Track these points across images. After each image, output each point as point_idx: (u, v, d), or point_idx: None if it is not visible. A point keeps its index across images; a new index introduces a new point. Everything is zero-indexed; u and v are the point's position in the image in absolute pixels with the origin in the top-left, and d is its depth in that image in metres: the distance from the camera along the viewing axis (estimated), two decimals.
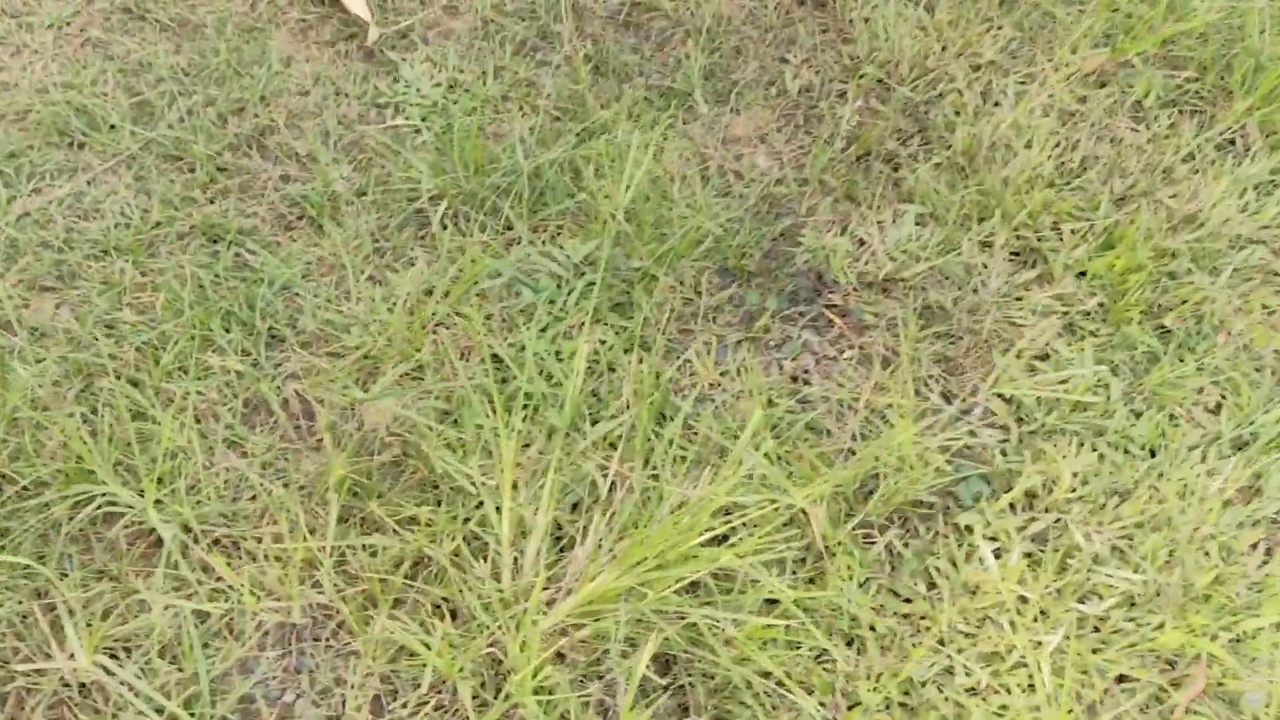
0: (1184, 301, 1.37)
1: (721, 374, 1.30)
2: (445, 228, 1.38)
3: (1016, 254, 1.41)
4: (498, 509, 1.12)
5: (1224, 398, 1.31)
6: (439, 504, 1.16)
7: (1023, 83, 1.59)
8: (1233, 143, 1.59)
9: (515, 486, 1.14)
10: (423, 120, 1.50)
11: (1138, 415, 1.29)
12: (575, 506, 1.16)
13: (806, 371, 1.32)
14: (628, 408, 1.22)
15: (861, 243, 1.40)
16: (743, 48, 1.62)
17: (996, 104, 1.57)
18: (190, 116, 1.47)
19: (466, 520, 1.14)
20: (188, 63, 1.54)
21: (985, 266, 1.39)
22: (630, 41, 1.62)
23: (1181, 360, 1.33)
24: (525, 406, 1.21)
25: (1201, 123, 1.60)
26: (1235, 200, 1.47)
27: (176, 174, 1.42)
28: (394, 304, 1.30)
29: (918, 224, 1.43)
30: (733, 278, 1.37)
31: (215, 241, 1.36)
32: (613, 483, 1.17)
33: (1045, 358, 1.33)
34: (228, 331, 1.27)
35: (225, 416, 1.21)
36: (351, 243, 1.36)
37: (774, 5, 1.68)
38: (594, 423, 1.22)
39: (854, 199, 1.45)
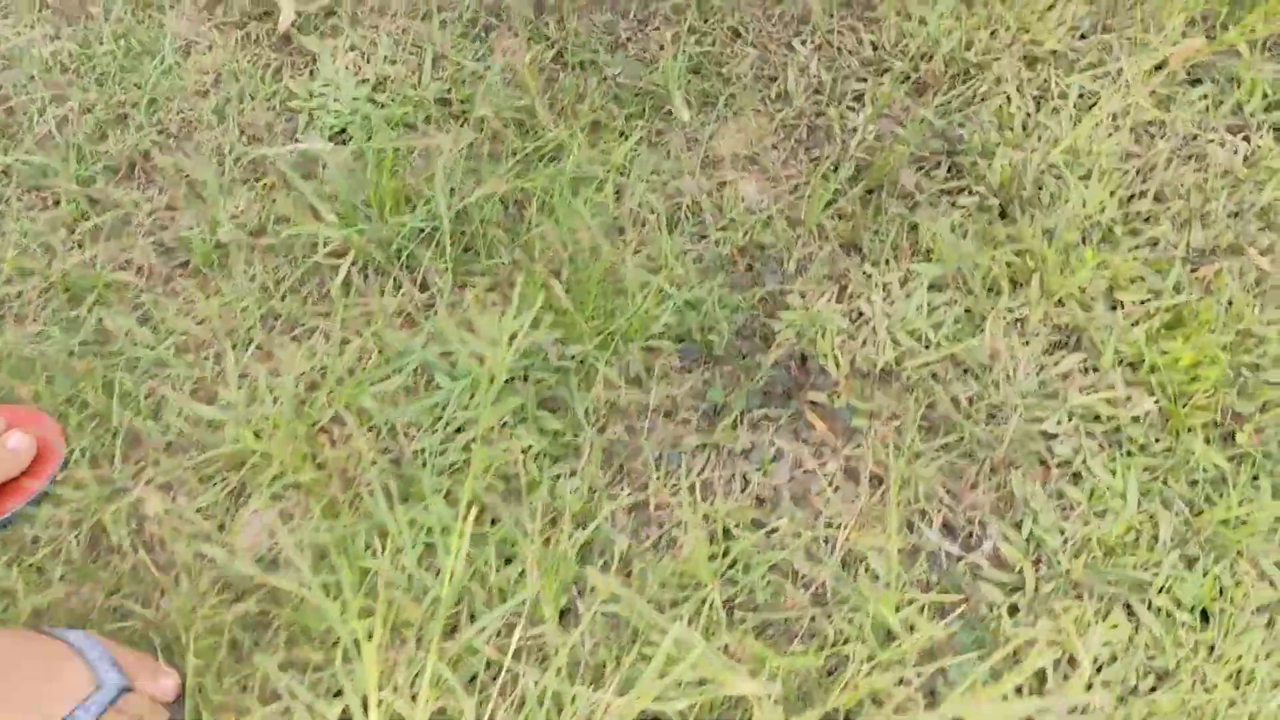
0: (1266, 409, 1.08)
1: (673, 491, 1.06)
2: (349, 288, 1.14)
3: (1055, 334, 1.12)
4: (364, 705, 0.91)
5: None
6: (306, 670, 0.96)
7: (1090, 84, 1.26)
8: None
9: (385, 674, 0.94)
10: (341, 132, 1.24)
11: (1190, 564, 1.03)
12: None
13: (777, 490, 1.07)
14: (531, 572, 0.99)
15: (859, 315, 1.13)
16: (743, 28, 1.31)
17: (1055, 111, 1.25)
18: (61, 130, 1.23)
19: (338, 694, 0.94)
20: (67, 55, 1.28)
21: (1014, 354, 1.11)
22: (603, 20, 1.32)
23: (1256, 490, 1.05)
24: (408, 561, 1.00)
25: None
26: None
27: (38, 211, 1.19)
28: (278, 395, 1.08)
29: (934, 288, 1.14)
30: (696, 356, 1.12)
31: (77, 302, 1.13)
32: (505, 681, 0.95)
33: (1078, 478, 1.06)
34: (80, 430, 1.06)
35: (68, 549, 1.01)
36: (238, 305, 1.13)
37: None
38: (493, 592, 1.00)
39: (858, 250, 1.17)
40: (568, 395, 1.08)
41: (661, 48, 1.29)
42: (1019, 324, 1.12)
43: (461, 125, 1.24)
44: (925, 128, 1.22)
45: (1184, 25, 1.31)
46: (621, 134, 1.23)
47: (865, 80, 1.27)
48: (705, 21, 1.31)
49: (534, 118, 1.22)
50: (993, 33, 1.28)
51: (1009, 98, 1.24)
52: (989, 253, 1.13)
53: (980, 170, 1.18)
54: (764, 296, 1.14)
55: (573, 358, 1.08)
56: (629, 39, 1.30)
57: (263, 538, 1.04)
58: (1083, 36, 1.31)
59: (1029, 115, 1.23)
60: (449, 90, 1.25)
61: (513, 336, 1.10)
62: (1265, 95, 1.27)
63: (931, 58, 1.26)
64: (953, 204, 1.18)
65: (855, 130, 1.21)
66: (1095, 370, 1.10)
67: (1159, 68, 1.28)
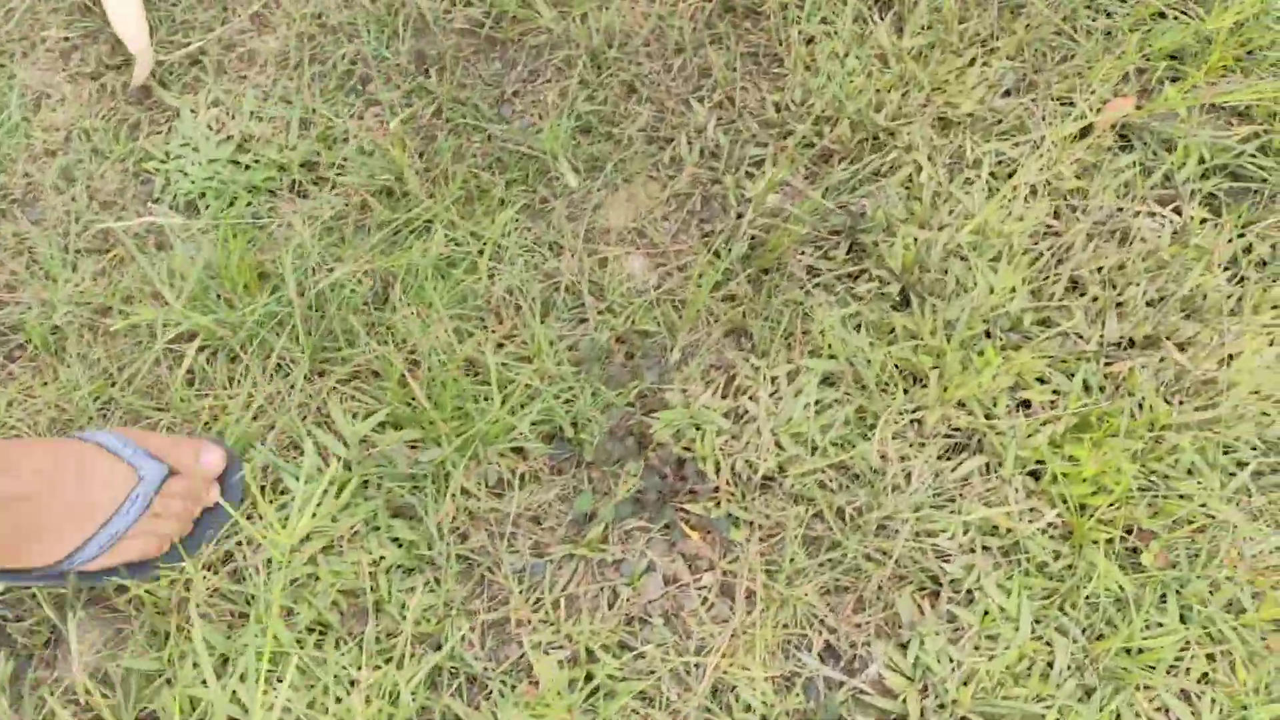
0: (1176, 524, 1.00)
1: (535, 605, 0.98)
2: (192, 379, 1.06)
3: (953, 437, 1.04)
4: None
5: (1208, 676, 0.96)
6: None
7: (1009, 150, 1.17)
8: None
9: None
10: (200, 198, 1.15)
11: (1087, 696, 0.96)
12: None
13: (648, 606, 0.99)
14: None
15: (744, 414, 1.04)
16: (639, 83, 1.21)
17: (968, 182, 1.16)
18: None
19: None
20: None
21: (908, 459, 1.02)
22: (489, 71, 1.23)
23: (1163, 614, 0.98)
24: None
25: (1255, 208, 1.17)
26: (1277, 351, 1.07)
27: None
28: None
29: (826, 382, 1.06)
30: (568, 453, 1.03)
31: None
32: None
33: (971, 599, 0.99)
34: None
35: None
36: (74, 394, 1.04)
37: (690, 14, 1.25)
38: None
39: (747, 340, 1.08)
40: (421, 504, 1.00)
41: (551, 104, 1.20)
42: (915, 425, 1.04)
43: (330, 192, 1.15)
44: (827, 201, 1.14)
45: (1117, 81, 1.22)
46: (501, 202, 1.15)
47: (766, 145, 1.17)
48: (599, 74, 1.21)
49: (405, 184, 1.13)
50: (905, 93, 1.18)
51: (919, 167, 1.15)
52: (884, 348, 1.04)
53: (882, 251, 1.09)
54: (642, 392, 1.05)
55: (430, 461, 1.00)
56: (515, 93, 1.21)
57: (91, 657, 0.96)
58: (1007, 93, 1.22)
59: (940, 186, 1.14)
60: (318, 153, 1.16)
61: (365, 438, 1.02)
62: (1201, 161, 1.19)
63: (837, 121, 1.17)
64: (850, 290, 1.09)
65: (751, 202, 1.12)
66: (995, 477, 1.02)
67: (1085, 132, 1.18)
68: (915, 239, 1.10)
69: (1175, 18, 1.25)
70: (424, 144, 1.18)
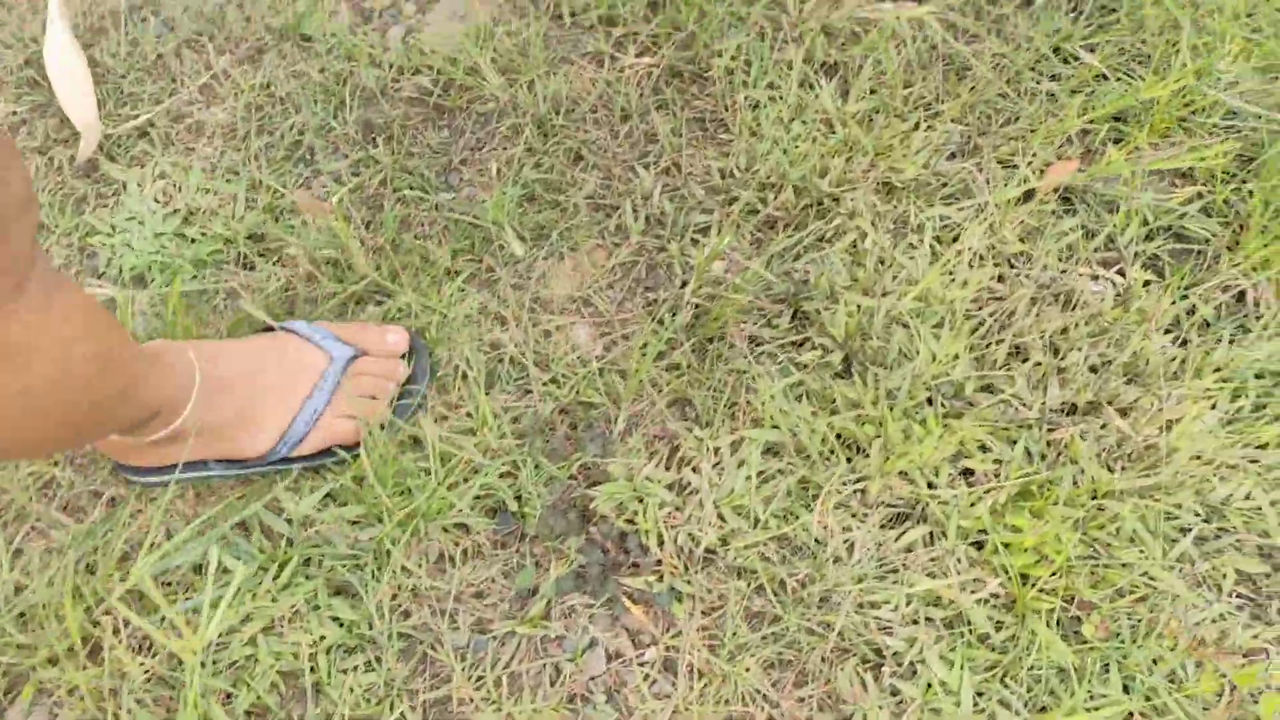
0: (1118, 593, 1.00)
1: (477, 683, 0.98)
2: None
3: (896, 507, 1.04)
4: None
5: None
6: None
7: (953, 215, 1.18)
8: (1240, 299, 1.17)
9: None
10: (146, 272, 1.15)
11: None
12: None
13: (592, 682, 0.99)
14: None
15: (686, 486, 1.04)
16: (585, 149, 1.22)
17: (912, 247, 1.16)
18: None
19: None
20: None
21: (850, 530, 1.02)
22: (437, 139, 1.23)
23: (1105, 685, 0.98)
24: None
25: (1198, 270, 1.18)
26: (1218, 416, 1.07)
27: None
28: (53, 579, 0.99)
29: (770, 453, 1.06)
30: (511, 527, 1.03)
31: None
32: None
33: (913, 671, 0.98)
34: None
35: None
36: (12, 474, 1.04)
37: (637, 80, 1.26)
38: None
39: (691, 409, 1.09)
40: (362, 582, 0.99)
41: (497, 172, 1.20)
42: (858, 494, 1.04)
43: (276, 264, 1.15)
44: (771, 268, 1.14)
45: (1060, 144, 1.23)
46: (448, 272, 1.15)
47: (711, 211, 1.18)
48: (545, 142, 1.22)
49: (350, 256, 1.13)
50: (849, 159, 1.19)
51: (863, 233, 1.16)
52: (826, 418, 1.04)
53: (825, 319, 1.09)
54: (585, 464, 1.05)
55: (370, 539, 1.00)
56: (463, 162, 1.22)
57: None
58: (952, 156, 1.22)
59: (884, 252, 1.14)
60: (264, 224, 1.16)
61: (307, 520, 1.01)
62: (1145, 223, 1.19)
63: (782, 188, 1.17)
64: (792, 359, 1.09)
65: (696, 270, 1.13)
66: (938, 547, 1.02)
67: (1029, 195, 1.19)
68: (858, 306, 1.10)
69: (1118, 80, 1.26)
70: (371, 213, 1.18)
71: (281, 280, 1.13)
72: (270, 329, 1.06)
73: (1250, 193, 1.19)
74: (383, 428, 1.01)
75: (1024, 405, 1.07)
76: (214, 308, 1.12)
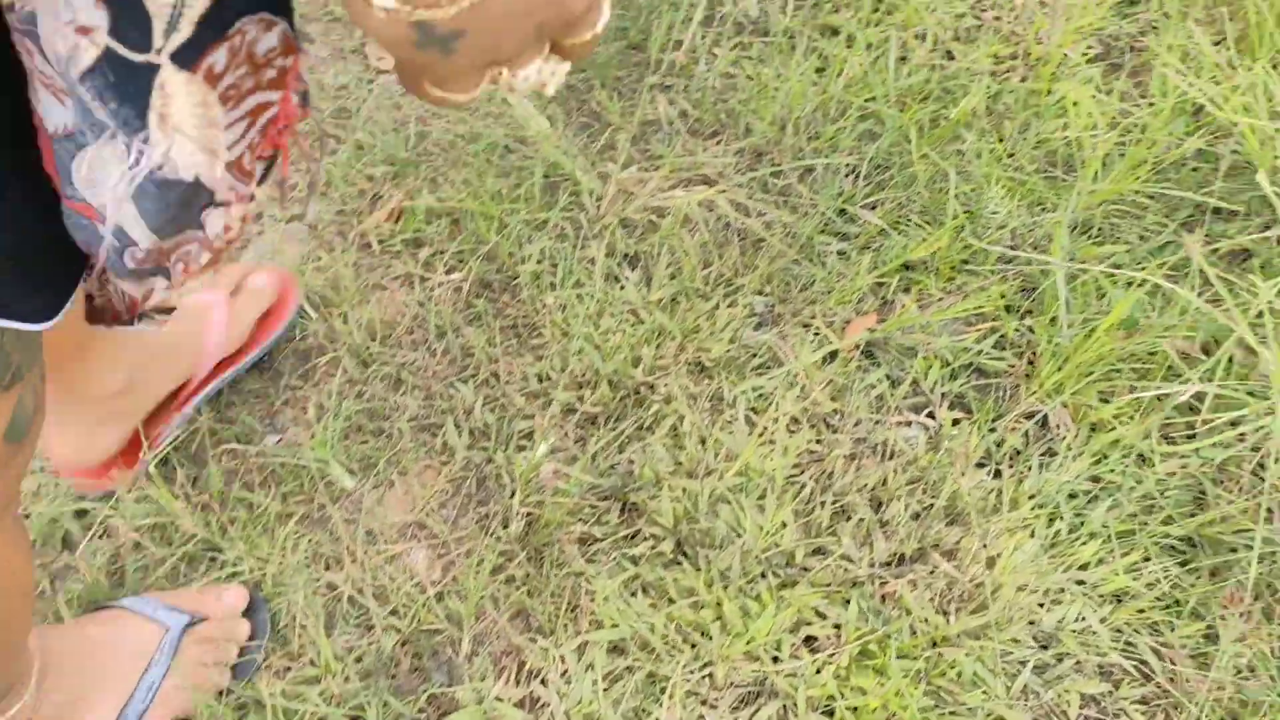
0: None
1: None
2: None
3: (745, 686, 1.05)
4: None
5: None
6: None
7: (765, 385, 1.22)
8: (1044, 425, 1.23)
9: None
10: None
11: None
12: None
13: None
14: None
15: (538, 701, 1.04)
16: (404, 372, 1.24)
17: (729, 423, 1.20)
18: None
19: None
20: None
21: (702, 718, 1.03)
22: (256, 384, 1.24)
23: None
24: None
25: (1000, 402, 1.24)
26: (1038, 543, 1.11)
27: None
28: None
29: (616, 651, 1.07)
30: None
31: None
32: None
33: None
34: None
35: None
36: None
37: (447, 298, 1.30)
38: None
39: (532, 621, 1.09)
40: None
41: (320, 407, 1.22)
42: (707, 679, 1.05)
43: (102, 538, 1.14)
44: (596, 465, 1.17)
45: (857, 300, 1.29)
46: (279, 518, 1.15)
47: (532, 417, 1.21)
48: (365, 370, 1.24)
49: (177, 519, 1.12)
50: (659, 345, 1.24)
51: (681, 416, 1.19)
52: (665, 610, 1.06)
53: (653, 508, 1.12)
54: (433, 695, 1.05)
55: None
56: (285, 403, 1.23)
57: None
58: (759, 326, 1.28)
59: (703, 432, 1.18)
60: (83, 499, 1.15)
61: None
62: (945, 364, 1.25)
63: (597, 383, 1.21)
64: (625, 554, 1.11)
65: (520, 479, 1.15)
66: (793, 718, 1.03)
67: (834, 355, 1.25)
68: (684, 490, 1.13)
69: (900, 233, 1.33)
70: (195, 469, 1.18)
71: (107, 553, 1.12)
72: (102, 608, 1.05)
73: (1034, 326, 1.26)
74: (221, 695, 1.00)
75: (853, 564, 1.10)
76: (40, 593, 1.10)
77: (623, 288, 1.29)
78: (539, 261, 1.32)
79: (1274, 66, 1.37)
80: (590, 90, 1.47)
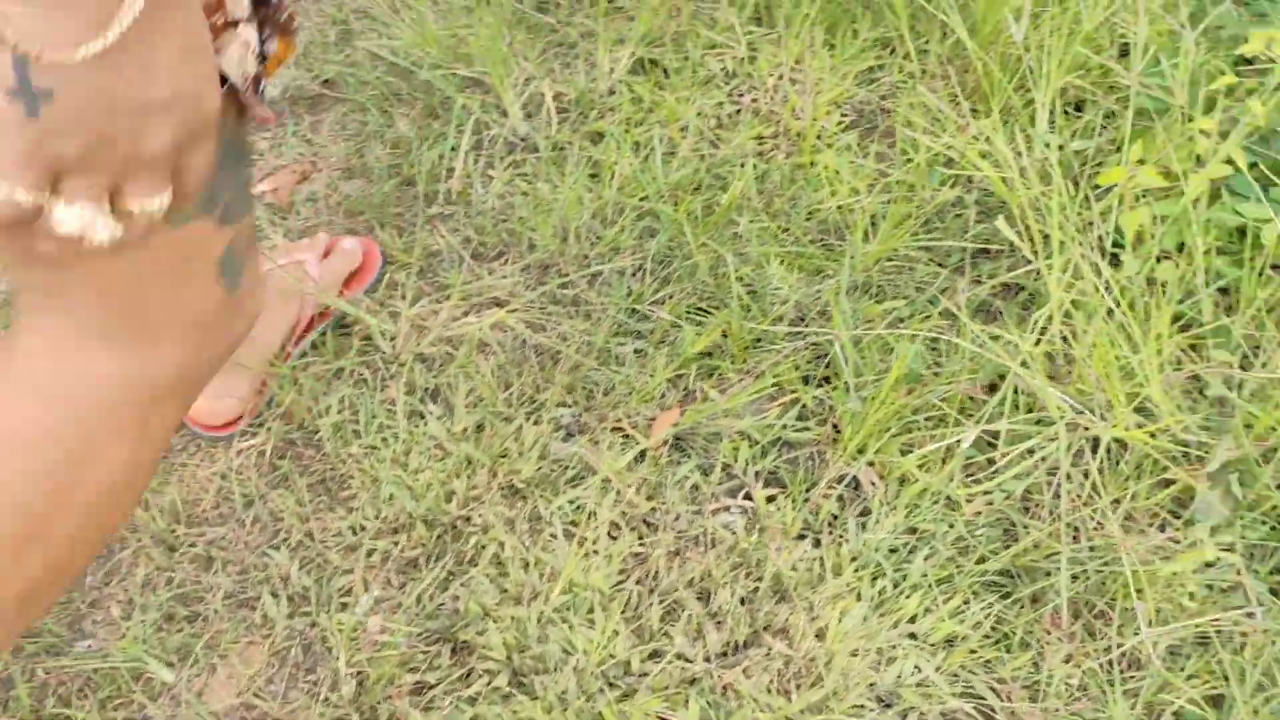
0: None
1: None
2: None
3: None
4: None
5: None
6: None
7: (581, 496, 1.22)
8: (856, 486, 1.26)
9: None
10: None
11: None
12: None
13: None
14: None
15: None
16: (214, 549, 1.21)
17: (551, 540, 1.20)
18: None
19: None
20: None
21: None
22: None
23: None
24: None
25: (811, 471, 1.26)
26: (866, 604, 1.13)
27: None
28: None
29: None
30: None
31: None
32: None
33: None
34: None
35: None
36: None
37: (250, 465, 1.27)
38: None
39: None
40: None
41: (129, 602, 1.17)
42: None
43: None
44: (422, 609, 1.15)
45: (660, 395, 1.31)
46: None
47: (351, 571, 1.18)
48: (172, 556, 1.20)
49: None
50: (470, 475, 1.23)
51: (501, 544, 1.19)
52: None
53: (483, 643, 1.10)
54: None
55: None
56: (93, 604, 1.18)
57: None
58: (568, 437, 1.28)
59: (525, 555, 1.17)
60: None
61: None
62: (754, 443, 1.28)
63: (413, 525, 1.19)
64: (462, 696, 1.09)
65: (343, 639, 1.12)
66: None
67: (643, 454, 1.26)
68: (512, 619, 1.12)
69: (692, 321, 1.36)
70: (3, 692, 1.12)
71: None
72: None
73: (831, 392, 1.29)
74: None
75: (689, 661, 1.10)
76: None
77: (427, 423, 1.28)
78: (339, 411, 1.31)
79: (1003, 115, 1.46)
80: (370, 232, 1.48)
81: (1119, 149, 1.40)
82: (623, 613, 1.13)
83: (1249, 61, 1.44)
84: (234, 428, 1.29)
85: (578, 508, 1.23)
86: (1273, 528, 1.20)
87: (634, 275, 1.43)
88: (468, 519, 1.21)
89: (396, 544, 1.20)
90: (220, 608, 1.17)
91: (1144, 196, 1.32)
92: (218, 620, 1.16)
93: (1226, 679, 1.10)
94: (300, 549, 1.22)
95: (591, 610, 1.13)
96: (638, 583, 1.16)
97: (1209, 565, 1.14)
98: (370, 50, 1.66)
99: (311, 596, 1.17)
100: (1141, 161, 1.30)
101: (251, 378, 1.28)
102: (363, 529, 1.22)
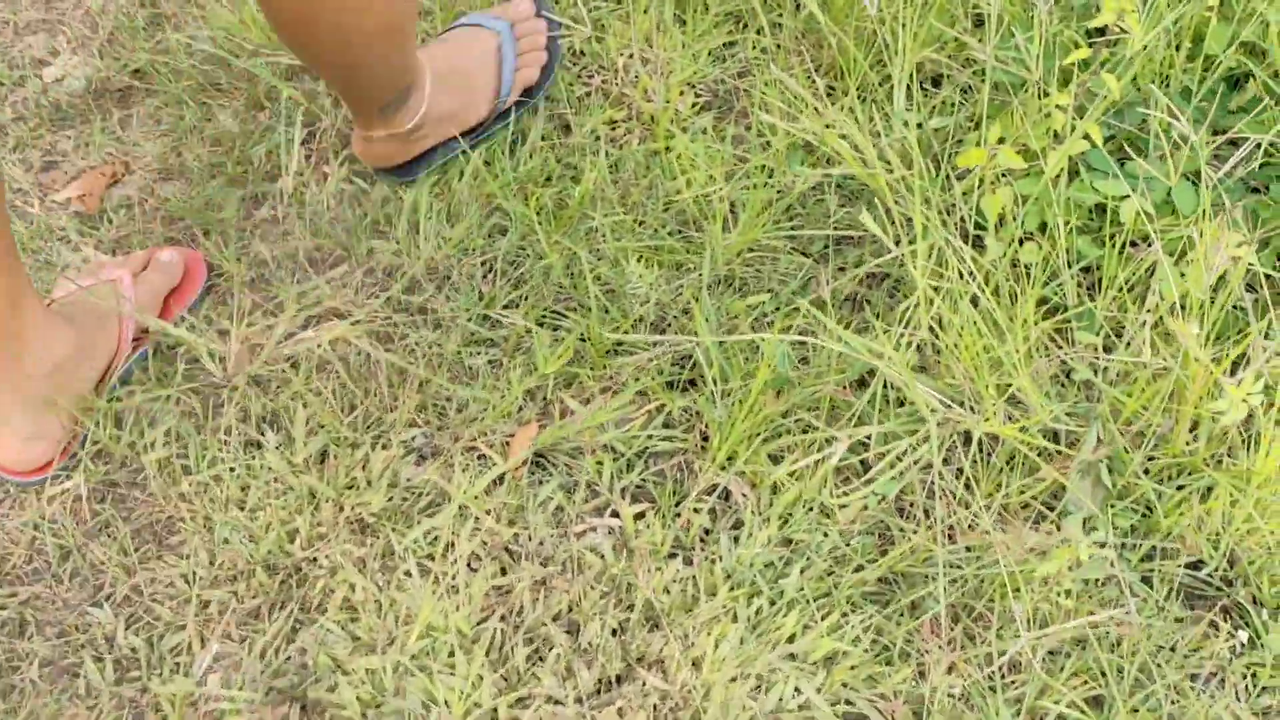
0: None
1: None
2: None
3: None
4: None
5: None
6: None
7: (435, 526, 1.14)
8: (727, 497, 1.20)
9: None
10: None
11: None
12: None
13: None
14: None
15: None
16: (27, 613, 1.09)
17: (405, 577, 1.11)
18: None
19: None
20: None
21: None
22: None
23: None
24: None
25: (680, 483, 1.20)
26: (741, 627, 1.08)
27: None
28: None
29: None
30: None
31: None
32: None
33: None
34: None
35: None
36: None
37: (65, 512, 1.15)
38: None
39: None
40: None
41: None
42: None
43: None
44: (267, 666, 1.05)
45: (518, 408, 1.23)
46: None
47: (184, 627, 1.08)
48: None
49: None
50: (314, 510, 1.13)
51: (352, 586, 1.09)
52: None
53: (335, 702, 1.01)
54: None
55: None
56: None
57: None
58: (420, 460, 1.20)
59: (378, 596, 1.08)
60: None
61: None
62: (619, 455, 1.21)
63: (253, 571, 1.09)
64: None
65: (182, 704, 1.02)
66: None
67: (502, 477, 1.18)
68: (366, 671, 1.03)
69: (548, 326, 1.28)
70: None
71: None
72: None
73: (697, 398, 1.23)
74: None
75: (560, 704, 1.04)
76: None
77: (264, 454, 1.18)
78: (165, 445, 1.19)
79: (860, 94, 1.41)
80: (192, 240, 1.35)
81: (977, 125, 1.37)
82: (487, 655, 1.05)
83: (1101, 32, 1.41)
84: (46, 472, 1.15)
85: (433, 540, 1.14)
86: (1143, 514, 1.18)
87: (484, 278, 1.34)
88: (314, 560, 1.12)
89: (235, 593, 1.10)
90: (37, 678, 1.05)
91: (1004, 176, 1.29)
92: (34, 694, 1.05)
93: (1105, 677, 1.08)
94: (126, 605, 1.11)
95: (453, 654, 1.06)
96: (501, 619, 1.09)
97: (1083, 561, 1.12)
98: (183, 38, 1.51)
99: (141, 658, 1.07)
100: (1001, 140, 1.26)
101: (65, 415, 1.14)
102: (196, 578, 1.11)
